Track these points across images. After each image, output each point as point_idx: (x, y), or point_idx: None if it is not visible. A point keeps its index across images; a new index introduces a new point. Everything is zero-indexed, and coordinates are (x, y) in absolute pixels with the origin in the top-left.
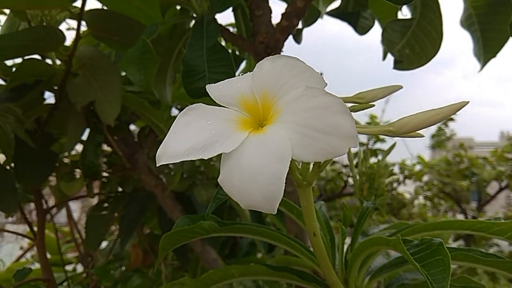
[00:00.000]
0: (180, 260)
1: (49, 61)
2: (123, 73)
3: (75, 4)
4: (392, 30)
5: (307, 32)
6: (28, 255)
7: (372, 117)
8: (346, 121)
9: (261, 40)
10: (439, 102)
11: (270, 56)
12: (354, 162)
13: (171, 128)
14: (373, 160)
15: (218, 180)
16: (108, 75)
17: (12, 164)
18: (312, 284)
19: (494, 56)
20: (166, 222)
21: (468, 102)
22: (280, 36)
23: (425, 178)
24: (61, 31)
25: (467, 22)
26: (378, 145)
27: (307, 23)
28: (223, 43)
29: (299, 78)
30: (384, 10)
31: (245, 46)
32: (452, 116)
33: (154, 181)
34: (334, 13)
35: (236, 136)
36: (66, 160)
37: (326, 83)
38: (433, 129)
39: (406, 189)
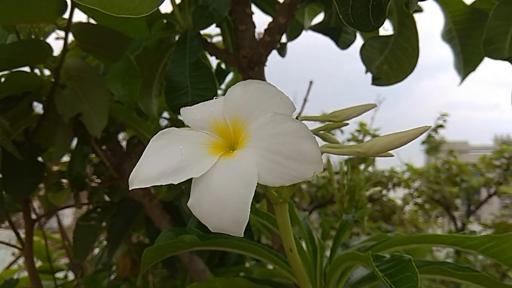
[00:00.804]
0: (169, 270)
1: (38, 72)
2: None
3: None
4: (371, 47)
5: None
6: (21, 261)
7: (362, 124)
8: (310, 147)
9: (245, 55)
10: (436, 104)
11: (242, 81)
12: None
13: (144, 152)
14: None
15: (188, 204)
16: (96, 87)
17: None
18: None
19: (473, 70)
20: (154, 231)
21: (430, 127)
22: (263, 51)
23: (415, 184)
24: (48, 44)
25: (447, 36)
26: None
27: (291, 37)
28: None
29: (269, 104)
30: None
31: (230, 60)
32: (442, 123)
33: (142, 191)
34: (316, 28)
35: (206, 160)
36: (55, 169)
37: (295, 108)
38: (424, 135)
39: (398, 195)
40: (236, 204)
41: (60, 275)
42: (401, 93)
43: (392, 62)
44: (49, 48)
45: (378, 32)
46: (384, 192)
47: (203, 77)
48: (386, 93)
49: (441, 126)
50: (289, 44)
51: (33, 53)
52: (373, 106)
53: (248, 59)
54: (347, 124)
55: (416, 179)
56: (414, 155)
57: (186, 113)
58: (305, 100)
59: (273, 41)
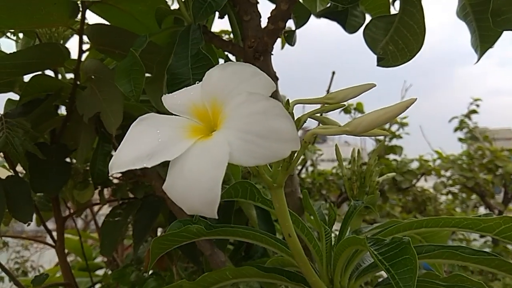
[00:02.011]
0: (193, 263)
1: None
2: None
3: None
4: (376, 27)
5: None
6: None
7: None
8: (285, 125)
9: (250, 45)
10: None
11: (221, 64)
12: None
13: (124, 138)
14: (392, 157)
15: (163, 187)
16: (111, 86)
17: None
18: (300, 284)
19: (491, 46)
20: None
21: (416, 99)
22: (268, 39)
23: (448, 173)
24: (65, 47)
25: (462, 13)
26: (395, 142)
27: (299, 24)
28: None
29: (246, 84)
30: (377, 7)
31: (235, 51)
32: (474, 108)
33: (162, 185)
34: (322, 13)
35: (182, 144)
36: (81, 168)
37: (274, 88)
38: (456, 122)
39: (430, 185)
40: (206, 185)
41: (100, 272)
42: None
43: (398, 41)
44: (66, 51)
45: (389, 11)
46: (413, 181)
47: (205, 68)
48: (420, 82)
49: (474, 111)
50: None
51: (51, 57)
52: (371, 86)
53: (253, 49)
54: (344, 105)
55: (448, 167)
56: (452, 143)
57: (167, 99)
58: (327, 92)
59: (277, 29)
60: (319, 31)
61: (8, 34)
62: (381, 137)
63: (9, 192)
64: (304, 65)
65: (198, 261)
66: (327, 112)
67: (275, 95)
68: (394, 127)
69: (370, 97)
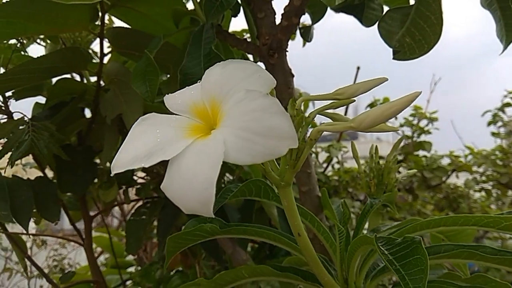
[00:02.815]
0: (216, 261)
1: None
2: None
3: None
4: (392, 19)
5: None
6: (102, 257)
7: (417, 108)
8: (282, 122)
9: (264, 42)
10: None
11: (221, 62)
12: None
13: (125, 139)
14: (422, 153)
15: (161, 186)
16: (131, 88)
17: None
18: (315, 284)
19: None
20: None
21: (420, 92)
22: (282, 36)
23: (481, 169)
24: (87, 51)
25: (486, 1)
26: (423, 137)
27: (316, 20)
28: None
29: (246, 82)
30: None
31: (250, 49)
32: (509, 101)
33: None
34: (338, 7)
35: (180, 143)
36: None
37: (275, 84)
38: (489, 116)
39: (462, 182)
40: (201, 184)
41: (132, 269)
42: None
43: (414, 33)
44: (88, 55)
45: (409, 2)
46: (444, 178)
47: None
48: (450, 76)
49: (508, 104)
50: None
51: (73, 60)
52: (383, 80)
53: (267, 47)
54: (354, 101)
55: (481, 163)
56: (485, 138)
57: (168, 99)
58: None
59: (290, 25)
60: (344, 24)
61: (38, 40)
62: (409, 133)
63: (37, 192)
64: (329, 59)
65: (221, 259)
66: (336, 108)
67: (290, 91)
68: (423, 122)
69: (398, 91)
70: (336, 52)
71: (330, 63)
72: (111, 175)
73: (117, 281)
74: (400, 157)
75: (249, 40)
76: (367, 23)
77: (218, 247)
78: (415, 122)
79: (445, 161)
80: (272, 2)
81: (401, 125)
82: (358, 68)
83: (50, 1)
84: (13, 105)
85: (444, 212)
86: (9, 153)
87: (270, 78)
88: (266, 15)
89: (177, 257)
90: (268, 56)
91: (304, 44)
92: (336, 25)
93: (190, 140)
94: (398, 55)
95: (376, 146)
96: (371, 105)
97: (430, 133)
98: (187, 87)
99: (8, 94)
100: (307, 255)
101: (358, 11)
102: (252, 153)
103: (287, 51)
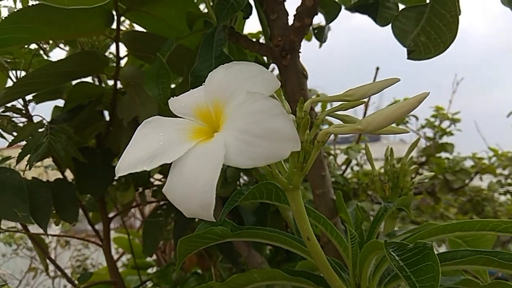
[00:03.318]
0: (232, 264)
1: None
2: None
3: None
4: (406, 18)
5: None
6: (124, 258)
7: (438, 108)
8: (284, 124)
9: (276, 44)
10: None
11: (225, 64)
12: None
13: (130, 142)
14: (444, 155)
15: (163, 189)
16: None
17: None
18: None
19: None
20: None
21: (428, 93)
22: (295, 37)
23: (506, 171)
24: (103, 55)
25: None
26: (445, 139)
27: (329, 20)
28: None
29: (248, 83)
30: None
31: (262, 51)
32: None
33: None
34: (352, 7)
35: (182, 146)
36: None
37: (278, 85)
38: None
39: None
40: (202, 188)
41: (152, 271)
42: (492, 76)
43: (430, 32)
44: (105, 58)
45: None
46: (467, 181)
47: None
48: (474, 77)
49: None
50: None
51: (90, 64)
52: (395, 80)
53: (280, 48)
54: (364, 102)
55: (505, 165)
56: (510, 140)
57: (173, 102)
58: None
59: (303, 25)
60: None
61: (61, 45)
62: (431, 134)
63: (56, 194)
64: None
65: (236, 262)
66: (346, 109)
67: (303, 93)
68: (445, 124)
69: (420, 91)
70: (356, 52)
71: (349, 64)
72: (116, 177)
73: (137, 281)
74: (421, 159)
75: (263, 41)
76: (382, 22)
77: (233, 249)
78: (436, 123)
79: (468, 163)
80: (285, 3)
81: (422, 126)
82: (377, 68)
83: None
84: (36, 108)
85: (468, 216)
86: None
87: (273, 80)
88: (278, 16)
89: (193, 259)
90: (281, 58)
91: (320, 45)
92: (356, 25)
93: (192, 143)
94: (413, 55)
95: (391, 148)
96: None
97: (452, 134)
98: (191, 89)
99: (29, 97)
100: (317, 260)
101: (373, 10)
102: (254, 156)
103: (300, 52)
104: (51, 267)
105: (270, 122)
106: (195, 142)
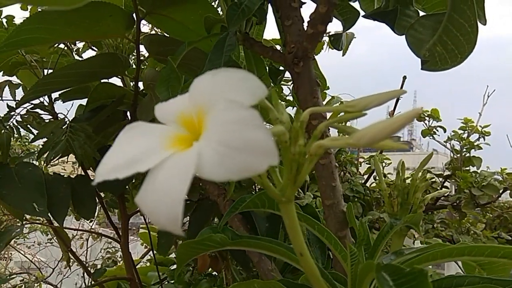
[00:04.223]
0: (244, 269)
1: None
2: None
3: None
4: (423, 26)
5: None
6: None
7: (467, 121)
8: (260, 136)
9: (290, 50)
10: None
11: (212, 70)
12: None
13: (111, 148)
14: (472, 169)
15: (135, 199)
16: None
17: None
18: None
19: None
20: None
21: (422, 108)
22: (308, 44)
23: None
24: (124, 57)
25: None
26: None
27: (347, 27)
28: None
29: (234, 91)
30: (436, 5)
31: (276, 58)
32: None
33: (217, 190)
34: (370, 14)
35: (159, 155)
36: None
37: (265, 93)
38: None
39: None
40: (170, 200)
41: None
42: None
43: (446, 42)
44: (126, 61)
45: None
46: (494, 196)
47: None
48: (507, 87)
49: None
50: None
51: (111, 66)
52: (400, 92)
53: (292, 55)
54: (366, 114)
55: None
56: None
57: (159, 108)
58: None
59: (316, 33)
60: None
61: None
62: (457, 147)
63: (76, 190)
64: (376, 68)
65: (248, 267)
66: (347, 121)
67: (315, 101)
68: (474, 136)
69: (450, 102)
70: (382, 60)
71: (375, 73)
72: (93, 183)
73: (157, 278)
74: (447, 173)
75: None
76: (400, 31)
77: (245, 254)
78: (465, 135)
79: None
80: (301, 9)
81: (449, 139)
82: (405, 77)
83: (86, 8)
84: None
85: (496, 232)
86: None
87: (260, 87)
88: (293, 23)
89: (207, 260)
90: (293, 65)
91: (344, 54)
92: (385, 34)
93: (169, 152)
94: (428, 65)
95: (403, 161)
96: (420, 118)
97: (480, 148)
98: (180, 95)
99: (56, 96)
100: (310, 277)
101: (391, 18)
102: (228, 169)
103: (314, 59)
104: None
105: (246, 134)
106: (172, 151)
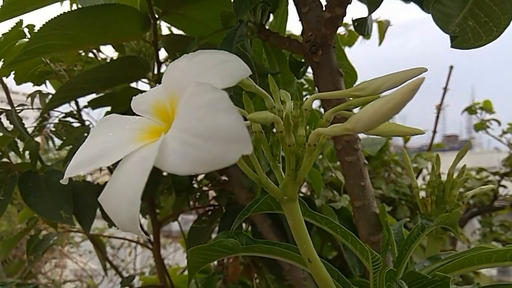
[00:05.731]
0: (275, 276)
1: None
2: None
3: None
4: None
5: None
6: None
7: None
8: (228, 121)
9: (307, 39)
10: None
11: (189, 53)
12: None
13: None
14: None
15: (98, 198)
16: None
17: None
18: None
19: None
20: (257, 235)
21: (423, 79)
22: (326, 30)
23: None
24: (144, 60)
25: None
26: None
27: (372, 9)
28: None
29: (207, 74)
30: None
31: (293, 48)
32: None
33: (245, 194)
34: None
35: (126, 149)
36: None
37: (247, 75)
38: None
39: None
40: (129, 198)
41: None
42: None
43: (479, 14)
44: (146, 63)
45: None
46: None
47: None
48: None
49: None
50: None
51: (131, 70)
52: (420, 70)
53: (310, 43)
54: (378, 97)
55: None
56: None
57: (135, 99)
58: (445, 89)
59: (334, 17)
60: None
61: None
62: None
63: None
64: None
65: (280, 275)
66: (355, 107)
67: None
68: None
69: (502, 92)
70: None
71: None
72: (63, 179)
73: (193, 285)
74: (505, 170)
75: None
76: (428, 8)
77: (276, 261)
78: None
79: None
80: None
81: (504, 132)
82: (451, 67)
83: (99, 12)
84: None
85: None
86: None
87: (240, 68)
88: (310, 9)
89: (239, 268)
90: (311, 54)
91: (380, 43)
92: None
93: (139, 145)
94: (459, 42)
95: (438, 156)
96: (469, 110)
97: None
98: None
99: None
100: (321, 284)
101: None
102: (193, 161)
103: (334, 46)
104: (131, 266)
105: (214, 119)
106: (141, 144)
